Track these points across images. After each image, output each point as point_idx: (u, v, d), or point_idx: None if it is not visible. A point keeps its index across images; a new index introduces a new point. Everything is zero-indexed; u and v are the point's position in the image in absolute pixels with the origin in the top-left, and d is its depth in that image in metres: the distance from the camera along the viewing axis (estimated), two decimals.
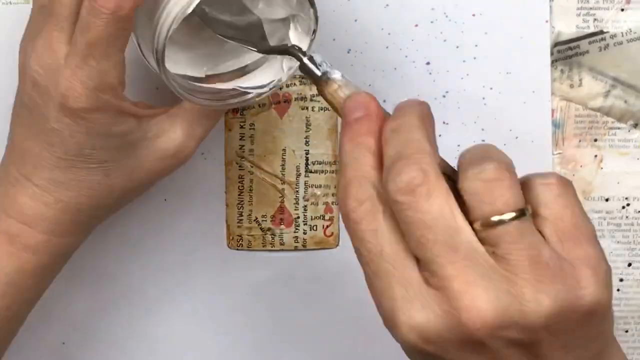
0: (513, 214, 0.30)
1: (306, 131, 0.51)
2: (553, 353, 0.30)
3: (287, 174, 0.51)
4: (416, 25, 0.50)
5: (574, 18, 0.50)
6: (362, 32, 0.50)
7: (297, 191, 0.51)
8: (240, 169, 0.51)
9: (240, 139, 0.51)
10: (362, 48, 0.50)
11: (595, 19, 0.50)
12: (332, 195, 0.51)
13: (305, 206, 0.51)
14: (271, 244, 0.51)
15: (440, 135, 0.50)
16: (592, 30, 0.50)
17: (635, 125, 0.51)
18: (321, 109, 0.51)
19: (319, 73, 0.39)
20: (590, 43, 0.50)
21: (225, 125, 0.51)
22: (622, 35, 0.50)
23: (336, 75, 0.38)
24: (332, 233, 0.51)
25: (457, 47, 0.50)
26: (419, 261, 0.31)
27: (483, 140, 0.50)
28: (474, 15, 0.50)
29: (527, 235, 0.30)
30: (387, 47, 0.50)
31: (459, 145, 0.50)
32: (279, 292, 0.51)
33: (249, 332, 0.51)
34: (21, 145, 0.43)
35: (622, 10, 0.50)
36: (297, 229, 0.51)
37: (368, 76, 0.50)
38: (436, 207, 0.30)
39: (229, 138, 0.51)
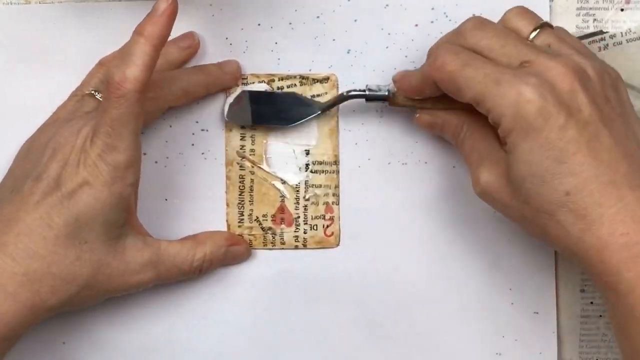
0: (544, 24, 0.44)
1: (307, 131, 0.51)
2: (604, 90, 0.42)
3: (288, 174, 0.51)
4: (416, 25, 0.50)
5: (573, 18, 0.50)
6: (362, 32, 0.50)
7: (297, 191, 0.51)
8: (241, 169, 0.51)
9: (240, 139, 0.51)
10: (362, 48, 0.50)
11: (595, 19, 0.50)
12: (333, 195, 0.51)
13: (306, 206, 0.51)
14: (272, 243, 0.51)
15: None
16: (591, 30, 0.50)
17: None
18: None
19: (385, 93, 0.48)
20: (590, 43, 0.50)
21: (225, 126, 0.51)
22: (622, 36, 0.50)
23: (390, 86, 0.48)
24: (333, 233, 0.51)
25: None
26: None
27: None
28: (474, 15, 0.50)
29: (561, 36, 0.44)
30: (387, 47, 0.50)
31: None
32: (280, 291, 0.51)
33: (249, 330, 0.51)
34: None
35: (622, 10, 0.50)
36: (297, 228, 0.51)
37: (368, 76, 0.50)
38: (502, 27, 0.44)
39: (229, 138, 0.51)
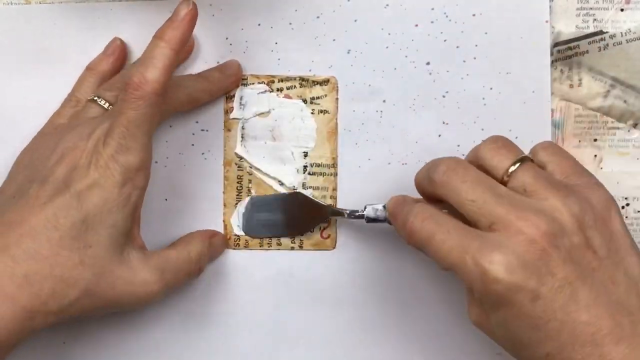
0: (523, 158, 0.42)
1: (306, 134, 0.51)
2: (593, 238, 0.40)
3: (286, 175, 0.51)
4: (416, 25, 0.50)
5: (573, 18, 0.50)
6: (362, 32, 0.50)
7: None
8: (239, 170, 0.51)
9: (240, 139, 0.51)
10: (362, 48, 0.50)
11: (595, 19, 0.50)
12: (330, 197, 0.51)
13: None
14: (268, 244, 0.51)
15: (440, 135, 0.51)
16: (591, 30, 0.50)
17: (635, 125, 0.51)
18: (320, 112, 0.51)
19: (383, 219, 0.48)
20: (590, 43, 0.50)
21: (224, 126, 0.51)
22: (622, 36, 0.50)
23: (378, 206, 0.48)
24: (329, 235, 0.51)
25: (457, 47, 0.50)
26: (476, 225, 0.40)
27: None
28: (474, 15, 0.50)
29: (540, 171, 0.41)
30: (387, 47, 0.50)
31: (458, 145, 0.51)
32: (277, 292, 0.51)
33: (246, 331, 0.51)
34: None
35: (622, 10, 0.50)
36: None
37: (368, 76, 0.50)
38: (473, 174, 0.41)
39: (228, 138, 0.51)
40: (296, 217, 0.50)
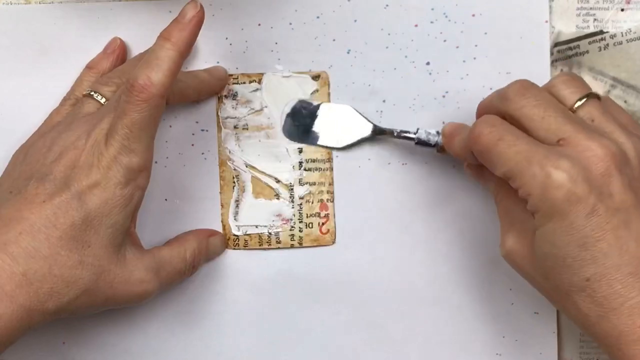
0: (591, 94, 0.43)
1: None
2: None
3: (282, 173, 0.51)
4: (416, 25, 0.50)
5: (574, 18, 0.50)
6: (362, 32, 0.50)
7: (291, 189, 0.51)
8: (234, 169, 0.51)
9: (235, 139, 0.51)
10: (362, 48, 0.50)
11: (595, 19, 0.50)
12: (327, 192, 0.51)
13: (301, 204, 0.51)
14: (267, 242, 0.51)
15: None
16: (592, 30, 0.50)
17: None
18: None
19: (433, 144, 0.48)
20: (590, 43, 0.50)
21: (218, 126, 0.51)
22: (622, 35, 0.50)
23: (432, 130, 0.48)
24: (328, 230, 0.51)
25: (457, 47, 0.50)
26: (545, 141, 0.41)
27: None
28: (474, 15, 0.50)
29: (606, 109, 0.43)
30: (387, 47, 0.50)
31: None
32: (279, 291, 0.51)
33: (246, 331, 0.51)
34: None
35: (622, 10, 0.50)
36: (292, 227, 0.51)
37: (368, 76, 0.50)
38: (546, 95, 0.42)
39: (222, 138, 0.51)
40: (339, 129, 0.50)
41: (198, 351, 0.51)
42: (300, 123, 0.50)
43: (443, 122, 0.50)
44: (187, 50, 0.44)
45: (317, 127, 0.50)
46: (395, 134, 0.49)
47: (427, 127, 0.49)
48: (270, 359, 0.51)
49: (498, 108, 0.43)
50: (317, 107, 0.50)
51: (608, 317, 0.39)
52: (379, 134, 0.50)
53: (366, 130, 0.50)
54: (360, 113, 0.50)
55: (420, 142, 0.48)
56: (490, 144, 0.41)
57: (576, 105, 0.42)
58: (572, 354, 0.51)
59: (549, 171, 0.39)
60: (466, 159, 0.46)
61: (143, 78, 0.42)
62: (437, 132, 0.48)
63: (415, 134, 0.48)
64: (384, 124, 0.50)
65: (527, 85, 0.43)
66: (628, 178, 0.39)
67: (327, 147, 0.50)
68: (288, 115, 0.50)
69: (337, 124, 0.50)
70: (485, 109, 0.45)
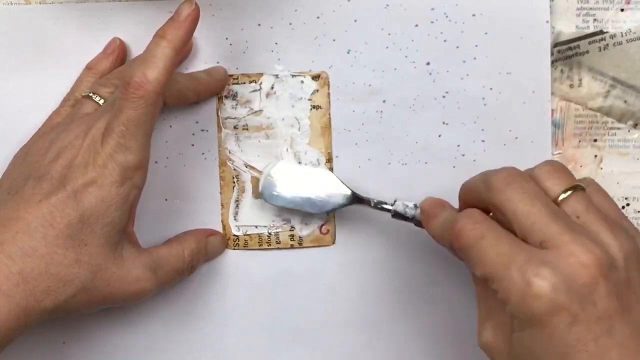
0: (576, 186, 0.41)
1: (299, 130, 0.51)
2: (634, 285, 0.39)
3: None
4: (416, 25, 0.50)
5: (574, 18, 0.50)
6: (362, 32, 0.50)
7: None
8: (234, 169, 0.51)
9: (235, 140, 0.51)
10: (362, 48, 0.50)
11: (595, 19, 0.50)
12: None
13: None
14: (267, 243, 0.51)
15: (440, 136, 0.51)
16: (592, 30, 0.50)
17: (635, 125, 0.51)
18: (313, 107, 0.51)
19: (410, 217, 0.47)
20: (590, 43, 0.50)
21: (218, 126, 0.51)
22: (622, 36, 0.50)
23: (409, 204, 0.47)
24: (328, 230, 0.51)
25: (457, 47, 0.50)
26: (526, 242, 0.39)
27: (483, 141, 0.50)
28: (474, 15, 0.50)
29: (592, 203, 0.40)
30: (387, 47, 0.50)
31: (459, 146, 0.51)
32: (276, 292, 0.51)
33: (248, 330, 0.51)
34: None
35: (622, 10, 0.50)
36: (292, 227, 0.51)
37: (368, 76, 0.50)
38: (532, 187, 0.40)
39: (222, 138, 0.51)
40: (318, 195, 0.49)
41: (198, 351, 0.51)
42: (280, 186, 0.49)
43: (443, 122, 0.50)
44: (182, 47, 0.44)
45: (296, 190, 0.49)
46: (372, 205, 0.48)
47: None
48: (270, 359, 0.51)
49: (482, 196, 0.42)
50: (295, 171, 0.49)
51: None
52: (356, 203, 0.49)
53: (344, 198, 0.49)
54: (338, 179, 0.49)
55: (397, 215, 0.47)
56: (472, 242, 0.40)
57: (560, 198, 0.40)
58: None
59: (529, 279, 0.37)
60: (443, 245, 0.44)
61: (139, 75, 0.43)
62: (415, 206, 0.47)
63: (392, 205, 0.47)
64: (384, 124, 0.50)
65: (513, 174, 0.41)
66: (613, 283, 0.38)
67: (308, 214, 0.50)
68: (265, 177, 0.49)
69: (316, 189, 0.49)
70: (469, 193, 0.43)
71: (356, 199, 0.49)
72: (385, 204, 0.48)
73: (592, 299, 0.37)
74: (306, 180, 0.49)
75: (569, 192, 0.41)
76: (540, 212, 0.39)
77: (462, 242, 0.40)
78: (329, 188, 0.49)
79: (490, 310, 0.41)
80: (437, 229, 0.44)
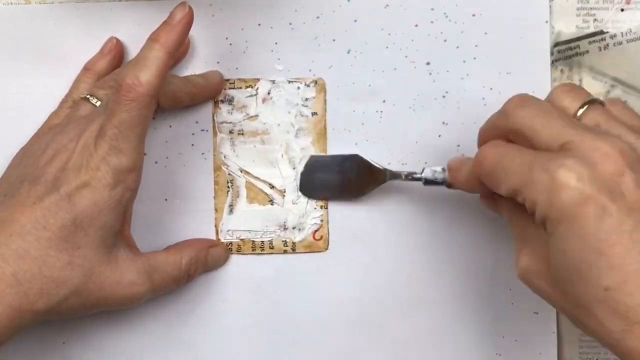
0: (593, 100, 0.41)
1: (295, 136, 0.51)
2: None
3: (276, 179, 0.51)
4: (416, 25, 0.50)
5: (574, 18, 0.50)
6: (362, 32, 0.50)
7: (285, 195, 0.51)
8: (229, 174, 0.51)
9: (230, 144, 0.51)
10: (362, 48, 0.50)
11: (595, 19, 0.50)
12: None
13: (294, 210, 0.51)
14: (260, 248, 0.51)
15: (440, 136, 0.51)
16: (592, 30, 0.50)
17: None
18: (310, 114, 0.51)
19: (440, 182, 0.47)
20: (590, 43, 0.50)
21: (213, 130, 0.51)
22: (622, 36, 0.50)
23: (437, 168, 0.47)
24: (322, 237, 0.51)
25: (457, 47, 0.50)
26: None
27: None
28: (474, 15, 0.50)
29: (610, 113, 0.40)
30: (387, 47, 0.50)
31: (458, 146, 0.50)
32: (269, 296, 0.51)
33: (248, 331, 0.51)
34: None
35: (622, 10, 0.50)
36: (286, 232, 0.51)
37: (368, 76, 0.50)
38: (546, 104, 0.40)
39: (217, 143, 0.51)
40: (353, 180, 0.50)
41: (199, 350, 0.51)
42: (317, 179, 0.50)
43: (443, 122, 0.50)
44: (175, 50, 0.44)
45: (332, 180, 0.50)
46: (403, 177, 0.48)
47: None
48: (270, 359, 0.51)
49: (499, 126, 0.41)
50: (330, 159, 0.50)
51: (633, 331, 0.35)
52: (391, 178, 0.49)
53: (380, 178, 0.49)
54: (369, 160, 0.50)
55: (428, 182, 0.47)
56: (495, 161, 0.40)
57: (579, 113, 0.40)
58: (572, 354, 0.51)
59: (553, 173, 0.36)
60: (474, 190, 0.44)
61: (131, 77, 0.43)
62: (443, 169, 0.47)
63: (421, 173, 0.48)
64: (384, 124, 0.50)
65: (525, 97, 0.41)
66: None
67: (347, 200, 0.50)
68: (302, 173, 0.50)
69: (351, 174, 0.50)
70: (486, 131, 0.43)
71: (390, 175, 0.49)
72: (415, 173, 0.48)
73: (620, 190, 0.36)
74: (340, 168, 0.50)
75: (586, 107, 0.40)
76: (558, 122, 0.38)
77: (486, 164, 0.40)
78: (362, 170, 0.50)
79: (525, 240, 0.40)
80: (465, 177, 0.44)
